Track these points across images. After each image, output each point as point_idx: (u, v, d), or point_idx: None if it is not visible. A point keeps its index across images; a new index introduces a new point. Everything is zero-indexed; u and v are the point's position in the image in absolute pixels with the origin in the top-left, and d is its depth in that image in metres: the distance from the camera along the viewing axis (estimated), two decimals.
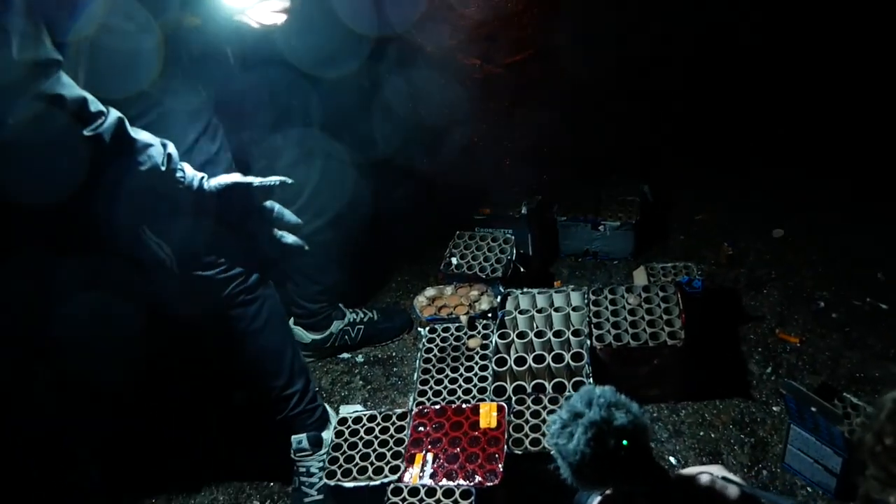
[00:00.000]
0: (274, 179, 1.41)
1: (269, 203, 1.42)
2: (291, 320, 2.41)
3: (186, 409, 2.33)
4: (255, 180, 1.41)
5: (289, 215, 1.44)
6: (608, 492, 1.04)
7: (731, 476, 1.05)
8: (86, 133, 1.29)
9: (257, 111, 2.09)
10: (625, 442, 0.93)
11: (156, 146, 1.38)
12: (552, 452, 0.97)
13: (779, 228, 2.79)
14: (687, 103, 3.22)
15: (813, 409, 1.76)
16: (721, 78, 3.26)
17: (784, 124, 3.17)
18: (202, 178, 1.43)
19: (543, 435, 1.82)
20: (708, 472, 1.03)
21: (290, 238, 1.42)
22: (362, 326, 2.51)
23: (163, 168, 1.37)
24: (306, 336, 2.46)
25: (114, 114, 1.35)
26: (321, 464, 1.97)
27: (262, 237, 1.42)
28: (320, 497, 2.00)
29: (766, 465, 1.99)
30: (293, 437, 2.01)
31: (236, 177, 1.42)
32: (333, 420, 2.04)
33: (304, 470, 2.02)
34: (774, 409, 2.13)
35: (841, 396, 1.98)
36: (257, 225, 1.42)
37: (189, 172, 1.42)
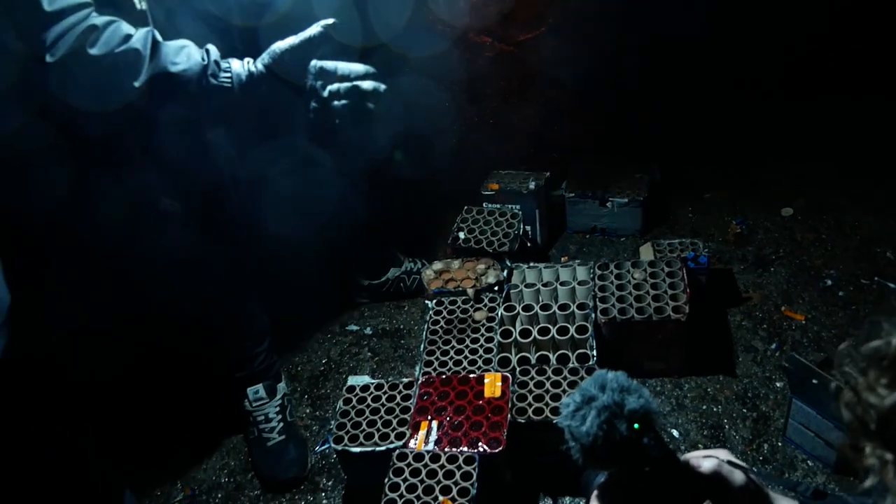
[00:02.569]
0: (317, 27, 1.49)
1: (322, 64, 1.52)
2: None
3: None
4: (297, 38, 1.48)
5: (343, 66, 1.54)
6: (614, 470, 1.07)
7: (736, 461, 1.06)
8: (117, 51, 1.34)
9: (244, 121, 2.12)
10: (636, 426, 0.96)
11: (190, 46, 1.43)
12: (565, 435, 1.00)
13: (788, 207, 2.78)
14: (697, 82, 3.21)
15: (814, 381, 1.77)
16: (731, 57, 3.24)
17: (791, 103, 3.15)
18: (248, 62, 1.50)
19: (546, 405, 1.85)
20: (714, 456, 1.05)
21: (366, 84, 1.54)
22: (418, 277, 2.57)
23: (203, 62, 1.43)
24: (363, 280, 2.56)
25: (142, 29, 1.38)
26: (277, 408, 2.12)
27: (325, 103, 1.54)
28: (283, 437, 2.10)
29: (768, 439, 2.01)
30: (249, 388, 2.11)
31: (280, 43, 1.49)
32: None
33: (262, 417, 2.11)
34: (777, 384, 2.14)
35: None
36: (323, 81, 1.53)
37: (237, 66, 1.49)
